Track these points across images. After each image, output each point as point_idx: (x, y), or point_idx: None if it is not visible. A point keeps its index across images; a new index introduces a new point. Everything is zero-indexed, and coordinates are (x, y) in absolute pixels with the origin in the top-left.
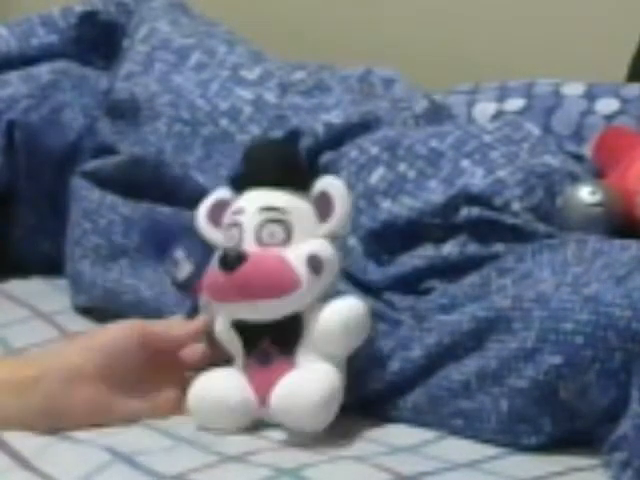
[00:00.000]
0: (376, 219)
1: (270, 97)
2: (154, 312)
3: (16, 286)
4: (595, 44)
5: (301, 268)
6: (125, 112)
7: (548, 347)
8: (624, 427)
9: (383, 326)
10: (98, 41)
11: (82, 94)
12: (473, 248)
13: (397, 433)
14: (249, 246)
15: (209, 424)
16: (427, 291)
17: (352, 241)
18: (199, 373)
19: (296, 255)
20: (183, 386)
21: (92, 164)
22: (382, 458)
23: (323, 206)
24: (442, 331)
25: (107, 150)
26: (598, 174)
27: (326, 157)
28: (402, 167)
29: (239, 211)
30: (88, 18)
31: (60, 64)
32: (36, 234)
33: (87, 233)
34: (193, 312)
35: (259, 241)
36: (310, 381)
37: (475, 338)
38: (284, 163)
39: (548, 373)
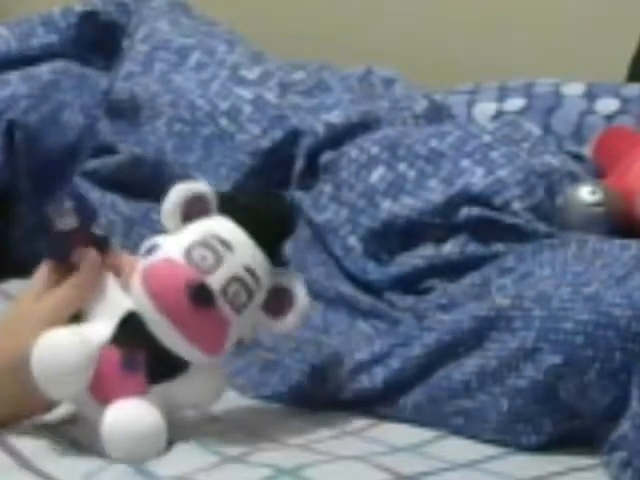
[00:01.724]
0: (376, 219)
1: (270, 97)
2: None
3: (16, 286)
4: (595, 44)
5: (229, 344)
6: (125, 112)
7: (548, 347)
8: (624, 427)
9: (383, 326)
10: (98, 41)
11: (82, 94)
12: (473, 248)
13: (397, 433)
14: (215, 285)
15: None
16: (427, 291)
17: (352, 241)
18: None
19: (237, 330)
20: None
21: (92, 164)
22: (382, 458)
23: (277, 302)
24: (442, 330)
25: (107, 150)
26: (598, 174)
27: (326, 157)
28: (402, 167)
29: (227, 245)
30: (88, 18)
31: (60, 64)
32: (36, 234)
33: None
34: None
35: (223, 292)
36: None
37: (475, 337)
38: (283, 233)
39: (548, 373)
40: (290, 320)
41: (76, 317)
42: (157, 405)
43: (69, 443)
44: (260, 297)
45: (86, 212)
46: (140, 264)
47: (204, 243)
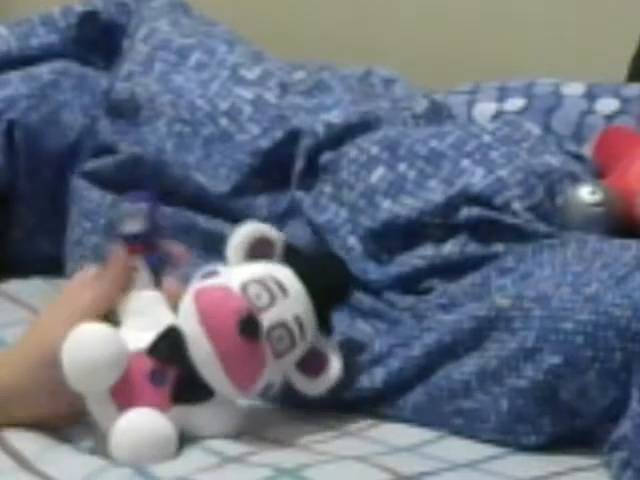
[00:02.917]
0: (376, 219)
1: (270, 97)
2: None
3: (16, 286)
4: (595, 44)
5: (260, 386)
6: (125, 112)
7: (548, 347)
8: (624, 427)
9: (383, 326)
10: (98, 41)
11: (82, 94)
12: (473, 248)
13: (397, 433)
14: (263, 324)
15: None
16: (427, 291)
17: (352, 241)
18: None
19: (274, 374)
20: None
21: (92, 164)
22: (382, 458)
23: (312, 363)
24: (442, 330)
25: (107, 150)
26: (598, 174)
27: (326, 157)
28: (402, 167)
29: (283, 290)
30: (88, 18)
31: (60, 64)
32: (36, 234)
33: (87, 233)
34: None
35: (268, 333)
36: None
37: (475, 337)
38: (336, 301)
39: (548, 373)
40: (321, 384)
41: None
42: (173, 423)
43: (70, 444)
44: (299, 351)
45: (155, 221)
46: (194, 285)
47: (262, 282)
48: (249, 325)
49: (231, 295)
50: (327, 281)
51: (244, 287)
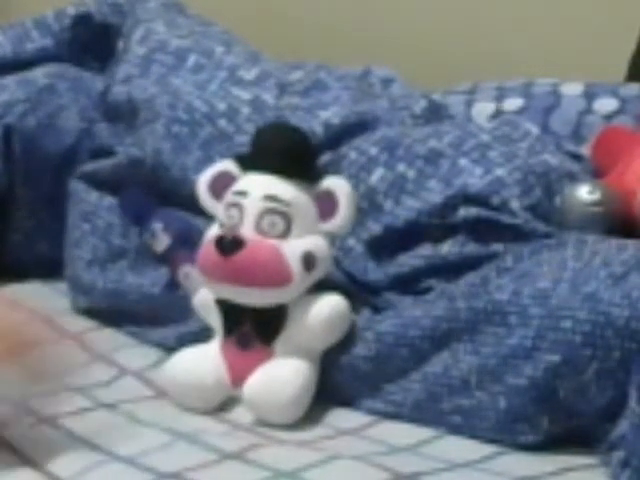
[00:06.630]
0: (379, 222)
1: (268, 97)
2: (163, 307)
3: (15, 289)
4: (595, 44)
5: (295, 263)
6: (123, 114)
7: (547, 345)
8: (622, 427)
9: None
10: (92, 43)
11: (78, 96)
12: (472, 248)
13: (396, 433)
14: (247, 231)
15: (183, 402)
16: (426, 290)
17: (351, 241)
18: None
19: (292, 250)
20: None
21: (90, 166)
22: (381, 458)
23: (326, 204)
24: (439, 316)
25: (105, 152)
26: (596, 173)
27: (325, 158)
28: (401, 167)
29: (242, 193)
30: (82, 20)
31: (55, 67)
32: (34, 237)
33: (86, 235)
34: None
35: (258, 229)
36: (283, 379)
37: (471, 328)
38: (294, 151)
39: (546, 371)
40: (335, 222)
41: None
42: (285, 355)
43: (68, 438)
44: (303, 214)
45: (175, 225)
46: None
47: (227, 205)
48: (222, 244)
49: (204, 247)
50: (279, 146)
51: (219, 223)
